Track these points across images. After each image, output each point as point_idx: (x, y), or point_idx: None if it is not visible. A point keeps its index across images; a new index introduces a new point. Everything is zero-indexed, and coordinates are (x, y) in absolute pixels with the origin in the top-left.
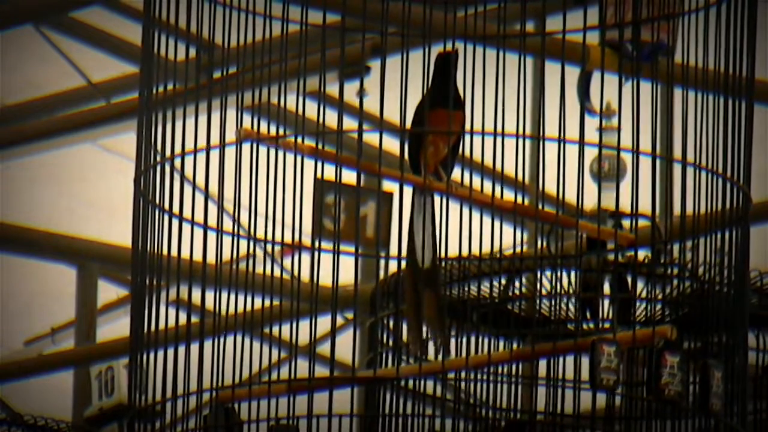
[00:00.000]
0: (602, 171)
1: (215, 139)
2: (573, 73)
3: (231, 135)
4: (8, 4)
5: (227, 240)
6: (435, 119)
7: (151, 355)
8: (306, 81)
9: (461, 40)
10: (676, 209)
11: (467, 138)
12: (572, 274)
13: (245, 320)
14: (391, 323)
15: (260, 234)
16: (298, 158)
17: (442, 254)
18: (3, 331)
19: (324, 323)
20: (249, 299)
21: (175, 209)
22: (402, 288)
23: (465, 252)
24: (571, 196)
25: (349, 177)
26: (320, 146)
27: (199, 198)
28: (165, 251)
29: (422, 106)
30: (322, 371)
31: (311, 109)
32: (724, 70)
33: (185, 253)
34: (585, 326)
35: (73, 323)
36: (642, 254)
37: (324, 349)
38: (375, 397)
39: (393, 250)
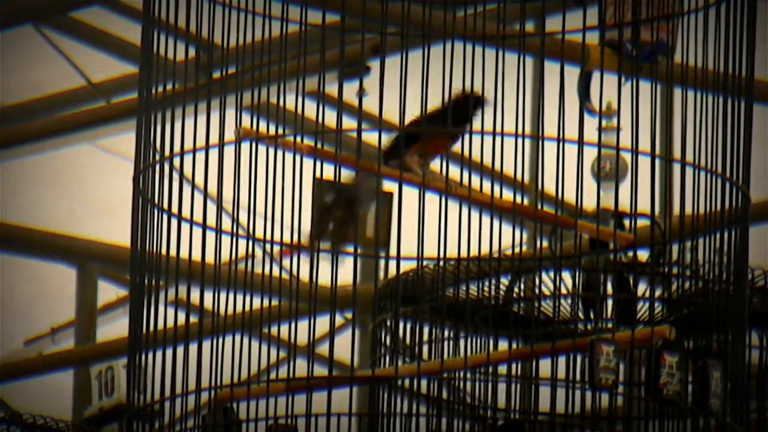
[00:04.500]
0: (603, 171)
1: (214, 139)
2: (573, 73)
3: (230, 134)
4: (8, 4)
5: (226, 239)
6: (434, 144)
7: (150, 355)
8: (305, 81)
9: (461, 40)
10: (676, 209)
11: (466, 137)
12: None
13: (244, 320)
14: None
15: (259, 234)
16: (298, 158)
17: (442, 255)
18: (3, 331)
19: (323, 323)
20: (248, 299)
21: (174, 209)
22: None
23: (464, 252)
24: (571, 196)
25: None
26: (319, 145)
27: (198, 198)
28: (164, 251)
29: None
30: (321, 371)
31: (311, 109)
32: (724, 70)
33: (184, 253)
34: (587, 326)
35: (73, 323)
36: (643, 255)
37: (323, 349)
38: (377, 397)
39: (392, 251)
